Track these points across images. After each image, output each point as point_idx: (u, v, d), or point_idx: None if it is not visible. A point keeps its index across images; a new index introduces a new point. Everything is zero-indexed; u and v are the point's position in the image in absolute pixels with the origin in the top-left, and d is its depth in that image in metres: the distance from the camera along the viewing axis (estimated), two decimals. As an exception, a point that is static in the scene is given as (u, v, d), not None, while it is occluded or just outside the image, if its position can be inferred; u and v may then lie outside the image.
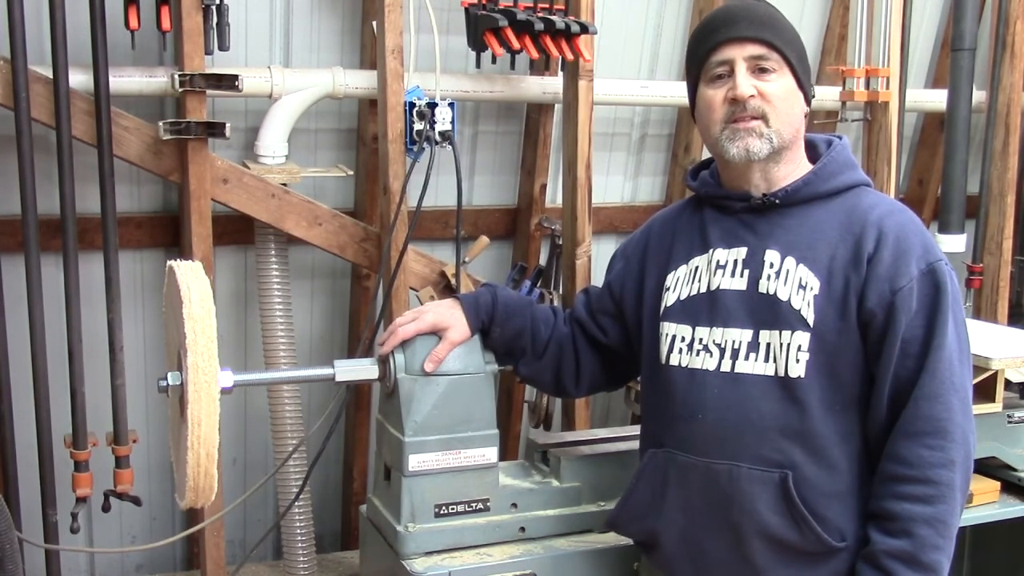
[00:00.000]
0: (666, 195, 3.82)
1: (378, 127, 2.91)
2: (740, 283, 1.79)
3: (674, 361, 1.84)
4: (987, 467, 2.47)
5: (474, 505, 2.06)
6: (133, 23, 2.65)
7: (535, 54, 2.92)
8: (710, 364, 1.79)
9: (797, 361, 1.72)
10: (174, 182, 2.87)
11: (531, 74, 3.33)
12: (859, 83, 3.51)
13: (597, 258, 3.20)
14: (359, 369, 2.05)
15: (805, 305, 1.73)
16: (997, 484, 2.47)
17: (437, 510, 2.02)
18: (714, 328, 1.80)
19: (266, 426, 3.20)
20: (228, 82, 2.74)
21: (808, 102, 1.84)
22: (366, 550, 2.25)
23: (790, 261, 1.76)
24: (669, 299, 1.88)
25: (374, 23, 2.90)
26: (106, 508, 2.86)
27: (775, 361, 1.74)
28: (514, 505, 2.11)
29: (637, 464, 1.94)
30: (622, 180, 3.76)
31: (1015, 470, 2.48)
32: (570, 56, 2.97)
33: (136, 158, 2.78)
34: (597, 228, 3.33)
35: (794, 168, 1.83)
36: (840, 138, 1.89)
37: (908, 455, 1.67)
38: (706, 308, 1.82)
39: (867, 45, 3.51)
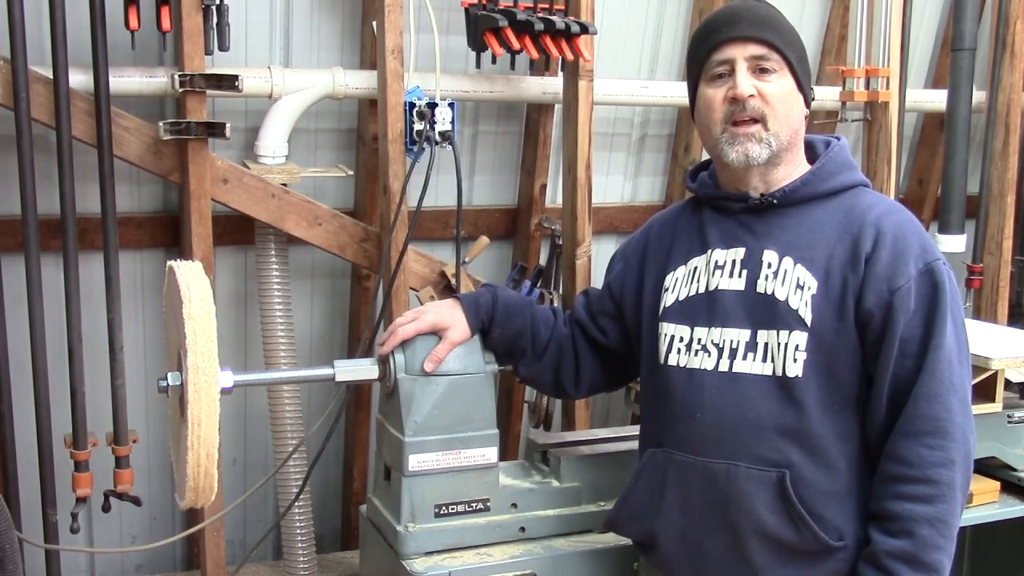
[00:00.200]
0: (666, 195, 3.82)
1: (378, 127, 2.91)
2: (738, 283, 1.80)
3: (673, 361, 1.84)
4: (987, 467, 2.47)
5: (474, 505, 2.06)
6: (133, 23, 2.65)
7: (535, 54, 2.92)
8: (708, 364, 1.79)
9: (795, 361, 1.72)
10: (174, 182, 2.87)
11: (531, 74, 3.33)
12: (859, 83, 3.51)
13: (597, 258, 3.20)
14: (359, 369, 2.05)
15: (803, 305, 1.73)
16: (997, 484, 2.47)
17: (437, 510, 2.02)
18: (712, 328, 1.80)
19: (266, 426, 3.20)
20: (228, 82, 2.74)
21: (808, 104, 1.84)
22: (366, 550, 2.25)
23: (788, 261, 1.76)
24: (668, 300, 1.88)
25: (374, 23, 2.90)
26: (106, 508, 2.86)
27: (773, 361, 1.74)
28: (514, 505, 2.12)
29: (637, 464, 1.94)
30: (622, 180, 3.76)
31: (1015, 470, 2.48)
32: (570, 56, 2.97)
33: (136, 158, 2.78)
34: (597, 228, 3.33)
35: (793, 170, 1.83)
36: (838, 139, 1.89)
37: (908, 455, 1.68)
38: (704, 308, 1.82)
39: (867, 45, 3.51)
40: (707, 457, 1.78)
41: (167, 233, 3.10)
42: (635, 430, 2.07)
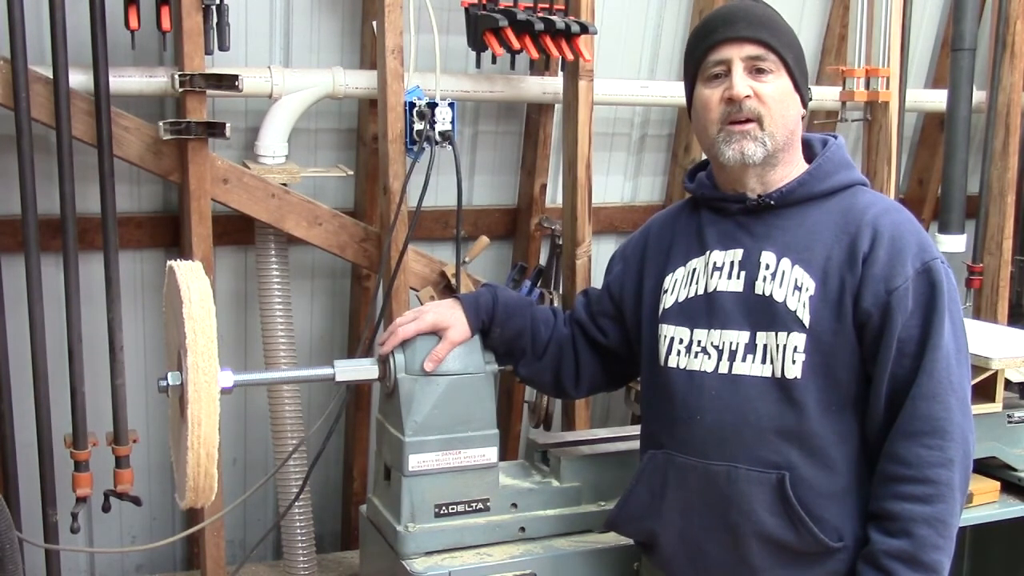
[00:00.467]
0: (666, 195, 3.82)
1: (378, 127, 2.91)
2: (736, 285, 1.80)
3: (673, 363, 1.84)
4: (987, 467, 2.47)
5: (474, 505, 2.06)
6: (133, 23, 2.65)
7: (535, 54, 2.92)
8: (708, 366, 1.79)
9: (793, 362, 1.72)
10: (174, 182, 2.87)
11: (531, 74, 3.33)
12: (859, 83, 3.51)
13: (597, 258, 3.20)
14: (359, 369, 2.05)
15: (800, 306, 1.73)
16: (997, 484, 2.47)
17: (437, 510, 2.02)
18: (712, 330, 1.80)
19: (266, 426, 3.20)
20: (228, 82, 2.74)
21: (805, 104, 1.84)
22: (366, 550, 2.25)
23: (785, 262, 1.76)
24: (667, 301, 1.88)
25: (374, 23, 2.90)
26: (106, 508, 2.86)
27: (772, 362, 1.74)
28: (514, 505, 2.12)
29: (637, 464, 1.94)
30: (622, 180, 3.76)
31: (1015, 470, 2.48)
32: (570, 56, 2.97)
33: (136, 158, 2.78)
34: (597, 228, 3.33)
35: (791, 170, 1.83)
36: (836, 137, 1.89)
37: (907, 455, 1.67)
38: (704, 310, 1.82)
39: (867, 45, 3.51)
40: (707, 459, 1.78)
41: (167, 233, 3.10)
42: (635, 430, 2.07)
